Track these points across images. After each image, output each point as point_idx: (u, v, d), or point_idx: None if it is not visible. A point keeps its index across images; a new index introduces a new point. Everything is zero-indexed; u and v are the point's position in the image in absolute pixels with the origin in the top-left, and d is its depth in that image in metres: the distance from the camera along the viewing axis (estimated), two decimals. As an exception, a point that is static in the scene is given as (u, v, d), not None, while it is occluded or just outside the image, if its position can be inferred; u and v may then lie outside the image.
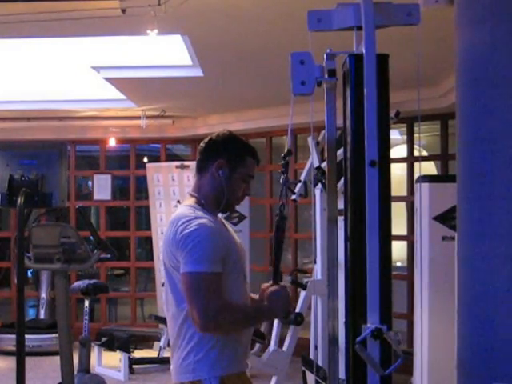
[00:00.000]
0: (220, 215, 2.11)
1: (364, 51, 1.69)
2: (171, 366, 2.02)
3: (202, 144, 2.08)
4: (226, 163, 2.02)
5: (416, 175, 5.28)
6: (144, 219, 7.50)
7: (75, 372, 3.66)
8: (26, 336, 3.22)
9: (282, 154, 1.97)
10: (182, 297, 1.93)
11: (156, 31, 3.47)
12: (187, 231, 1.89)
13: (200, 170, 2.06)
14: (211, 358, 1.92)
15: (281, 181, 1.99)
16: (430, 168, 6.05)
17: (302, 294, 4.56)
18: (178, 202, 4.76)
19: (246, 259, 2.11)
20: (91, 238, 3.77)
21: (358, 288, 1.70)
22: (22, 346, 3.07)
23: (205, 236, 1.89)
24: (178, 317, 1.96)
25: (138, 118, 6.30)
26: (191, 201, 2.03)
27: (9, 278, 7.07)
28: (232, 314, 1.92)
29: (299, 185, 4.77)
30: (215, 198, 2.02)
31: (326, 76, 1.80)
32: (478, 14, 1.83)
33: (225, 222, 2.10)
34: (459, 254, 1.94)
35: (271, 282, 2.02)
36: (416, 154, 5.75)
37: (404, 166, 5.79)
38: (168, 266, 1.97)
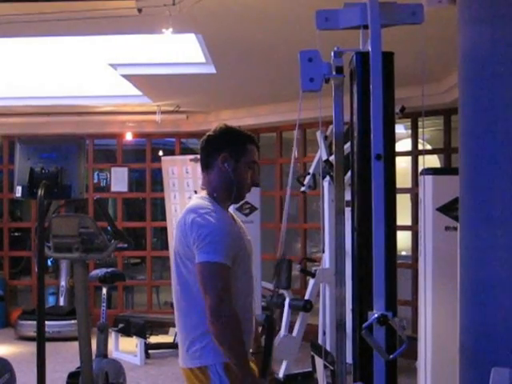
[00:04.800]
0: (231, 209, 2.15)
1: (370, 49, 1.75)
2: (179, 352, 2.07)
3: (203, 141, 2.11)
4: (230, 155, 2.06)
5: (420, 168, 5.34)
6: (159, 210, 7.59)
7: (93, 357, 3.73)
8: (46, 322, 3.27)
9: (276, 263, 1.95)
10: (188, 286, 1.98)
11: (171, 30, 3.53)
12: (203, 225, 1.95)
13: (206, 166, 2.10)
14: (216, 344, 1.95)
15: (273, 285, 1.96)
16: (433, 161, 6.08)
17: (311, 281, 4.60)
18: (195, 191, 4.82)
19: (252, 254, 2.14)
20: (109, 228, 3.83)
21: (365, 276, 1.75)
22: (42, 332, 3.11)
23: (220, 231, 1.96)
24: (184, 305, 2.01)
25: (154, 113, 6.37)
26: (204, 193, 2.10)
27: (30, 267, 7.21)
28: (235, 328, 1.93)
29: (308, 177, 4.84)
30: (226, 190, 2.07)
31: (334, 73, 1.85)
32: (479, 12, 1.89)
33: (235, 216, 2.14)
34: (461, 243, 1.99)
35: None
36: (420, 147, 5.81)
37: (409, 159, 5.87)
38: (178, 252, 2.01)
